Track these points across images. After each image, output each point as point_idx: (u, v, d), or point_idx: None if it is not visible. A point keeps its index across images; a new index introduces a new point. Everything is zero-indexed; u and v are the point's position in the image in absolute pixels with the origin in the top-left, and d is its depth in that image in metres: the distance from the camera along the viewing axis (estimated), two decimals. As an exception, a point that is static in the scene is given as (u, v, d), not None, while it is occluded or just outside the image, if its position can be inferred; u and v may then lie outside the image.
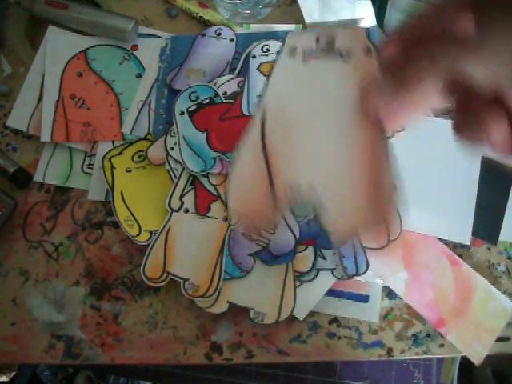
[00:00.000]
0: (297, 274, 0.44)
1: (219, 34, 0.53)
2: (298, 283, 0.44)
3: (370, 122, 0.24)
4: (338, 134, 0.28)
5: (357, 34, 0.30)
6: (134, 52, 0.54)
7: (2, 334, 0.46)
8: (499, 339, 0.44)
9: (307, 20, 0.54)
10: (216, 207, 0.45)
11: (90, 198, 0.50)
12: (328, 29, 0.33)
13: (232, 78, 0.50)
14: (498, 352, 0.45)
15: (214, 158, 0.46)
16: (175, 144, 0.47)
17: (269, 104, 0.30)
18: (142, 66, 0.53)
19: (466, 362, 0.72)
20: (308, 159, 0.28)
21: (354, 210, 0.26)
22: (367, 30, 0.31)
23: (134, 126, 0.51)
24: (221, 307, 0.43)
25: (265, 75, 0.50)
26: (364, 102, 0.26)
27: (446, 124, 0.50)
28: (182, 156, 0.46)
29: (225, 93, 0.49)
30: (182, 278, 0.43)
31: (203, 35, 0.53)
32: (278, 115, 0.29)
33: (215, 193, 0.45)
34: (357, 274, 0.44)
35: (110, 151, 0.48)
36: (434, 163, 0.49)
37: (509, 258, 0.47)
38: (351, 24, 0.54)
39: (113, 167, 0.47)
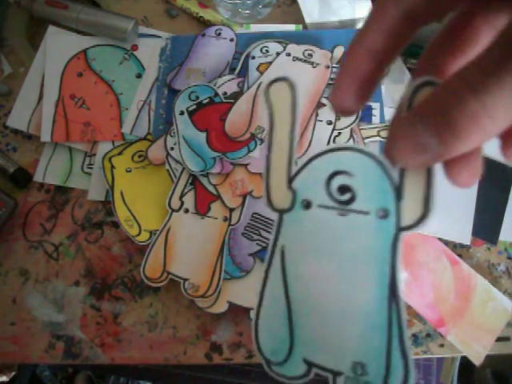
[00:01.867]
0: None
1: (219, 33, 0.53)
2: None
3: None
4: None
5: (325, 55, 0.50)
6: (134, 52, 0.54)
7: (2, 334, 0.46)
8: (499, 339, 0.44)
9: (307, 20, 0.54)
10: (216, 207, 0.45)
11: (90, 198, 0.50)
12: (311, 47, 0.50)
13: (232, 78, 0.50)
14: (498, 352, 0.45)
15: (214, 158, 0.46)
16: (175, 144, 0.47)
17: (266, 76, 0.49)
18: (142, 66, 0.53)
19: (465, 362, 0.72)
20: None
21: None
22: (331, 53, 0.50)
23: (133, 126, 0.51)
24: (221, 307, 0.43)
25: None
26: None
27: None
28: (181, 156, 0.46)
29: (225, 93, 0.49)
30: (182, 278, 0.43)
31: (203, 35, 0.53)
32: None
33: (215, 193, 0.45)
34: None
35: (109, 151, 0.48)
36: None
37: (509, 257, 0.47)
38: (350, 24, 0.54)
39: (113, 167, 0.47)
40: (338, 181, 0.24)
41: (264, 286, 0.26)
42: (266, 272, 0.26)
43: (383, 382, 0.23)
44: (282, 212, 0.25)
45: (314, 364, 0.25)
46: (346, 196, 0.24)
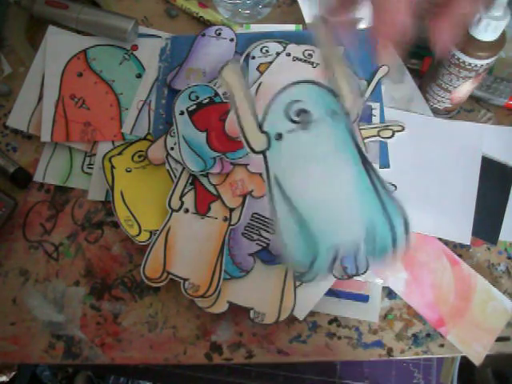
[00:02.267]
0: (297, 273, 0.44)
1: (219, 33, 0.53)
2: (298, 283, 0.44)
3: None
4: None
5: None
6: (134, 52, 0.54)
7: (2, 334, 0.46)
8: (499, 339, 0.44)
9: (307, 20, 0.54)
10: (216, 207, 0.45)
11: (90, 198, 0.50)
12: (311, 47, 0.50)
13: (232, 78, 0.50)
14: (498, 352, 0.45)
15: (214, 158, 0.46)
16: (175, 144, 0.47)
17: (266, 76, 0.49)
18: (142, 66, 0.53)
19: (466, 362, 0.72)
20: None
21: None
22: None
23: (133, 126, 0.51)
24: (221, 307, 0.43)
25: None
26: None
27: (446, 124, 0.50)
28: (181, 156, 0.46)
29: (225, 93, 0.49)
30: (182, 278, 0.43)
31: (203, 35, 0.54)
32: (269, 84, 0.48)
33: (215, 193, 0.45)
34: (357, 274, 0.44)
35: (110, 151, 0.48)
36: (434, 163, 0.49)
37: (509, 257, 0.47)
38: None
39: (113, 167, 0.47)
40: (294, 108, 0.33)
41: (275, 215, 0.32)
42: (272, 204, 0.33)
43: (390, 231, 0.30)
44: (264, 152, 0.34)
45: (336, 248, 0.31)
46: (304, 116, 0.32)
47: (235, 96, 0.35)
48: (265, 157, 0.33)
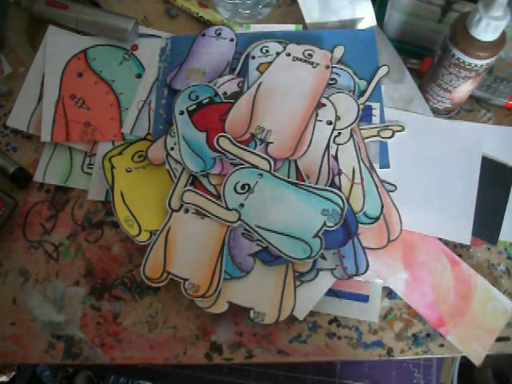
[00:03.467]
0: (297, 274, 0.44)
1: (219, 33, 0.53)
2: (298, 283, 0.44)
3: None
4: (295, 105, 0.48)
5: (325, 55, 0.50)
6: (134, 52, 0.54)
7: (2, 334, 0.46)
8: (499, 339, 0.44)
9: (307, 20, 0.54)
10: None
11: (90, 198, 0.50)
12: (311, 47, 0.51)
13: (232, 78, 0.50)
14: (498, 352, 0.45)
15: (214, 158, 0.46)
16: (175, 144, 0.47)
17: (266, 76, 0.50)
18: (142, 66, 0.53)
19: (466, 362, 0.72)
20: (272, 114, 0.48)
21: (288, 142, 0.47)
22: (331, 53, 0.50)
23: (133, 126, 0.51)
24: (221, 307, 0.43)
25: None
26: None
27: (446, 124, 0.50)
28: (181, 156, 0.46)
29: (225, 93, 0.49)
30: (182, 278, 0.43)
31: (203, 35, 0.54)
32: (269, 84, 0.49)
33: (215, 193, 0.45)
34: (357, 274, 0.44)
35: (110, 151, 0.48)
36: (434, 163, 0.49)
37: (509, 257, 0.47)
38: (350, 24, 0.54)
39: (113, 167, 0.47)
40: (238, 186, 0.44)
41: (265, 243, 0.44)
42: (261, 237, 0.44)
43: (335, 204, 0.44)
44: (239, 217, 0.44)
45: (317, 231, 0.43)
46: (246, 187, 0.44)
47: (201, 205, 0.44)
48: (241, 219, 0.44)
